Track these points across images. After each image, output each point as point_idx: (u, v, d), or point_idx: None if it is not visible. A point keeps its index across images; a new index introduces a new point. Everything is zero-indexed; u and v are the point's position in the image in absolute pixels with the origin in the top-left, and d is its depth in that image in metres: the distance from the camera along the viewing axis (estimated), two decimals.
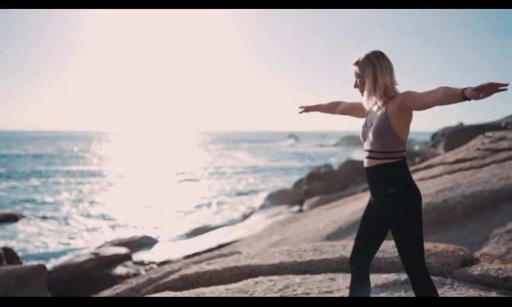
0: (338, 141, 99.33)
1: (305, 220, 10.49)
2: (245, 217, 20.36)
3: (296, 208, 18.78)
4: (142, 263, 13.07)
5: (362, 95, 2.62)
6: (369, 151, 2.55)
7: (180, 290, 4.31)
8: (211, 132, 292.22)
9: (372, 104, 2.57)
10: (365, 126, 2.62)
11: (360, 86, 2.60)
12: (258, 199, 25.74)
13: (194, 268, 4.68)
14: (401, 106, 2.42)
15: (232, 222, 19.48)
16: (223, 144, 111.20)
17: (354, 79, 2.64)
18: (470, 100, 2.06)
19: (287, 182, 33.56)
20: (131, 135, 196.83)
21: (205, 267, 4.65)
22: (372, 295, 3.59)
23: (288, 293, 3.76)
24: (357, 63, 2.58)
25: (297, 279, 4.03)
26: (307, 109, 3.16)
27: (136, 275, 11.87)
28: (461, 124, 27.12)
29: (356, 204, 9.34)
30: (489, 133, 11.26)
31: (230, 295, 3.79)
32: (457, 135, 16.02)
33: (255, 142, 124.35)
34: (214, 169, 49.08)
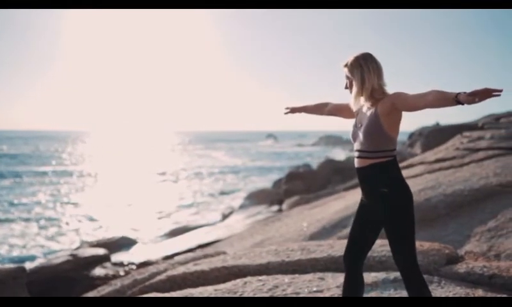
0: (316, 141, 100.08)
1: (287, 219, 10.52)
2: (224, 217, 20.29)
3: (275, 207, 18.80)
4: (121, 264, 12.87)
5: None
6: (361, 151, 2.57)
7: (167, 291, 4.25)
8: (189, 132, 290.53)
9: (360, 105, 2.61)
10: (355, 127, 2.64)
11: (350, 87, 2.64)
12: (238, 199, 25.69)
13: (181, 269, 4.62)
14: (391, 107, 2.46)
15: (212, 223, 19.42)
16: (201, 144, 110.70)
17: (345, 81, 2.67)
18: (463, 104, 2.08)
19: (266, 182, 33.60)
20: (108, 135, 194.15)
21: (192, 267, 4.60)
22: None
23: (278, 293, 3.74)
24: (346, 65, 2.62)
25: (286, 278, 4.02)
26: (293, 110, 3.16)
27: (115, 276, 11.70)
28: (438, 124, 27.55)
29: (338, 204, 9.40)
30: (466, 133, 11.48)
31: (219, 295, 3.75)
32: (435, 135, 16.32)
33: (233, 142, 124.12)
34: (193, 169, 48.79)
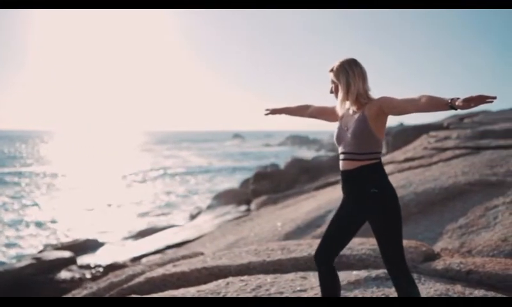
0: (283, 141, 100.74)
1: (259, 219, 10.53)
2: (192, 217, 20.16)
3: (243, 207, 18.82)
4: (88, 267, 12.57)
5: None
6: (348, 153, 2.60)
7: (147, 293, 4.17)
8: (155, 132, 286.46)
9: (346, 109, 2.66)
10: (341, 130, 2.68)
11: (335, 92, 2.70)
12: (205, 200, 25.54)
13: (159, 271, 4.53)
14: (379, 111, 2.53)
15: (180, 223, 19.25)
16: (167, 145, 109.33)
17: (330, 85, 2.73)
18: (457, 109, 2.16)
19: (233, 182, 33.55)
20: (72, 135, 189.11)
21: (171, 268, 4.53)
22: (345, 293, 3.65)
23: (262, 293, 3.73)
24: (332, 70, 2.68)
25: (269, 278, 4.01)
26: (274, 112, 3.17)
27: (82, 279, 11.43)
28: (402, 124, 28.15)
29: (310, 203, 9.48)
30: (433, 133, 11.80)
31: (202, 296, 3.70)
32: (402, 135, 16.71)
33: (200, 142, 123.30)
34: (160, 169, 48.16)
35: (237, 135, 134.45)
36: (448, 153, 9.11)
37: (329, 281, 2.72)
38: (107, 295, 4.52)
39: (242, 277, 4.09)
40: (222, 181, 36.94)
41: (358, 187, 2.58)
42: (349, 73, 2.58)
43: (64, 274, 11.72)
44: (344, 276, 3.91)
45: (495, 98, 2.05)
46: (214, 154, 73.79)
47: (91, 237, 16.04)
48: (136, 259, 12.36)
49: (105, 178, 39.02)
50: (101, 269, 12.00)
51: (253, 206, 17.76)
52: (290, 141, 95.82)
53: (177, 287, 4.19)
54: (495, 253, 4.95)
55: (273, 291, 3.73)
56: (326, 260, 2.69)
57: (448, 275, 3.94)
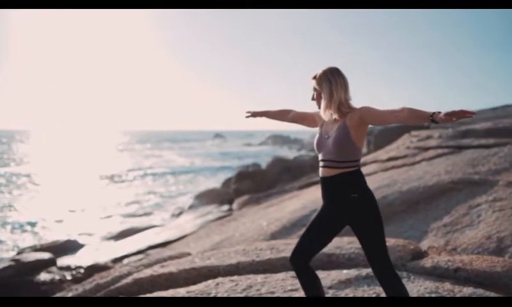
0: (264, 140, 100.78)
1: (244, 219, 10.50)
2: (174, 217, 20.02)
3: (225, 207, 18.77)
4: (68, 268, 12.37)
5: (318, 108, 2.77)
6: (329, 160, 2.66)
7: (135, 294, 4.11)
8: (135, 131, 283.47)
9: (328, 117, 2.72)
10: (321, 138, 2.74)
11: (317, 99, 2.76)
12: (187, 199, 25.37)
13: (147, 272, 4.47)
14: (360, 120, 2.60)
15: (161, 223, 19.08)
16: (149, 144, 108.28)
17: (312, 92, 2.78)
18: (437, 123, 2.25)
19: (215, 182, 33.40)
20: (50, 135, 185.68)
21: (159, 269, 4.47)
22: (336, 292, 3.66)
23: (253, 293, 3.71)
24: (315, 78, 2.73)
25: (259, 278, 3.99)
26: (254, 114, 3.22)
27: (62, 281, 11.25)
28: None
29: (294, 203, 9.50)
30: (414, 132, 11.94)
31: (193, 296, 3.66)
32: (384, 135, 16.90)
33: (181, 141, 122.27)
34: (142, 169, 47.66)
35: (218, 135, 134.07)
36: (431, 153, 9.24)
37: (306, 280, 2.74)
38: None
39: (232, 278, 4.06)
40: (204, 181, 36.74)
41: (338, 193, 2.64)
42: (332, 83, 2.63)
43: (43, 276, 11.52)
44: (335, 275, 3.92)
45: (474, 114, 2.15)
46: (195, 154, 73.32)
47: (71, 238, 15.78)
48: (118, 260, 12.24)
49: (85, 179, 38.41)
50: (82, 270, 11.84)
51: (235, 205, 17.74)
52: (271, 141, 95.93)
53: (166, 288, 4.13)
54: (479, 251, 5.02)
55: (264, 291, 3.71)
56: (300, 262, 2.72)
57: (437, 273, 3.98)
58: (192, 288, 3.88)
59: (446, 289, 3.56)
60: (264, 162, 34.92)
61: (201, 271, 4.35)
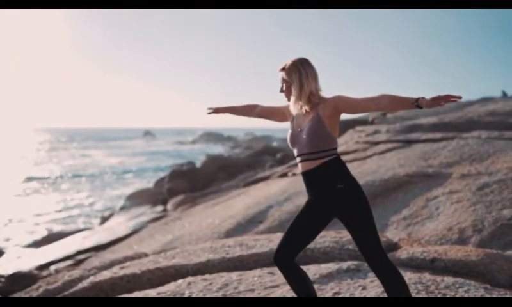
0: (196, 138, 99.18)
1: (190, 218, 10.13)
2: (104, 220, 19.06)
3: (159, 208, 18.18)
4: None
5: (288, 100, 2.68)
6: (306, 153, 2.55)
7: None
8: (56, 129, 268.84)
9: (299, 109, 2.63)
10: (294, 132, 2.63)
11: (286, 91, 2.66)
12: (118, 201, 24.31)
13: (106, 274, 4.04)
14: (334, 110, 2.53)
15: (90, 227, 18.14)
16: (72, 143, 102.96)
17: (280, 84, 2.68)
18: (422, 108, 2.24)
19: (147, 182, 32.38)
20: None
21: (119, 271, 4.06)
22: (321, 286, 3.49)
23: (231, 291, 3.45)
24: (284, 69, 2.64)
25: (233, 276, 3.74)
26: (217, 110, 3.05)
27: None
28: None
29: (244, 200, 9.28)
30: (359, 128, 12.16)
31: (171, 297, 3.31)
32: None
33: (109, 140, 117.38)
34: (66, 170, 45.10)
35: (147, 133, 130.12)
36: (382, 147, 9.41)
37: (295, 279, 2.60)
38: None
39: (203, 276, 3.78)
40: (135, 181, 35.50)
41: (322, 185, 2.52)
42: (302, 73, 2.56)
43: None
44: (315, 270, 3.75)
45: (460, 97, 2.16)
46: (125, 153, 70.61)
47: None
48: (44, 267, 11.42)
49: (5, 182, 35.54)
50: (2, 279, 10.85)
51: (169, 206, 17.18)
52: (204, 138, 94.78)
53: (129, 291, 3.75)
54: (442, 242, 5.10)
55: (242, 289, 3.47)
56: (286, 260, 2.58)
57: (413, 264, 3.95)
58: (162, 289, 3.55)
59: (428, 279, 3.51)
60: (197, 161, 34.39)
61: (167, 271, 4.01)
